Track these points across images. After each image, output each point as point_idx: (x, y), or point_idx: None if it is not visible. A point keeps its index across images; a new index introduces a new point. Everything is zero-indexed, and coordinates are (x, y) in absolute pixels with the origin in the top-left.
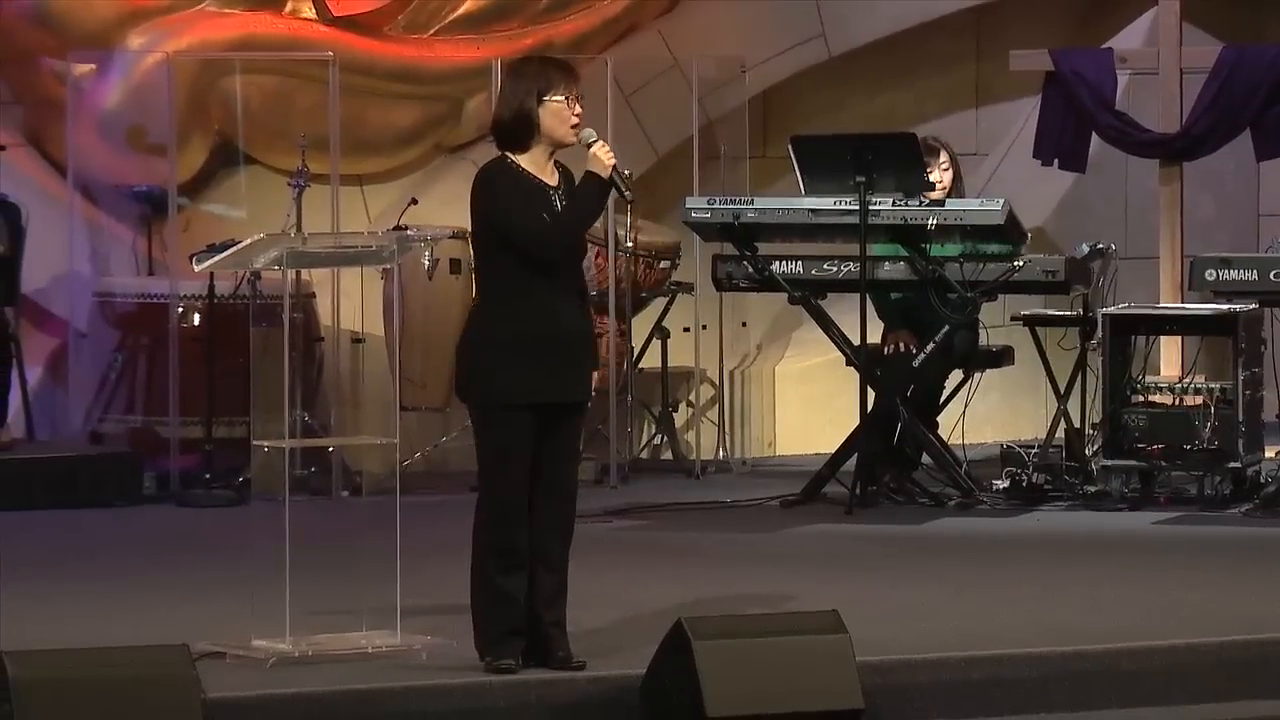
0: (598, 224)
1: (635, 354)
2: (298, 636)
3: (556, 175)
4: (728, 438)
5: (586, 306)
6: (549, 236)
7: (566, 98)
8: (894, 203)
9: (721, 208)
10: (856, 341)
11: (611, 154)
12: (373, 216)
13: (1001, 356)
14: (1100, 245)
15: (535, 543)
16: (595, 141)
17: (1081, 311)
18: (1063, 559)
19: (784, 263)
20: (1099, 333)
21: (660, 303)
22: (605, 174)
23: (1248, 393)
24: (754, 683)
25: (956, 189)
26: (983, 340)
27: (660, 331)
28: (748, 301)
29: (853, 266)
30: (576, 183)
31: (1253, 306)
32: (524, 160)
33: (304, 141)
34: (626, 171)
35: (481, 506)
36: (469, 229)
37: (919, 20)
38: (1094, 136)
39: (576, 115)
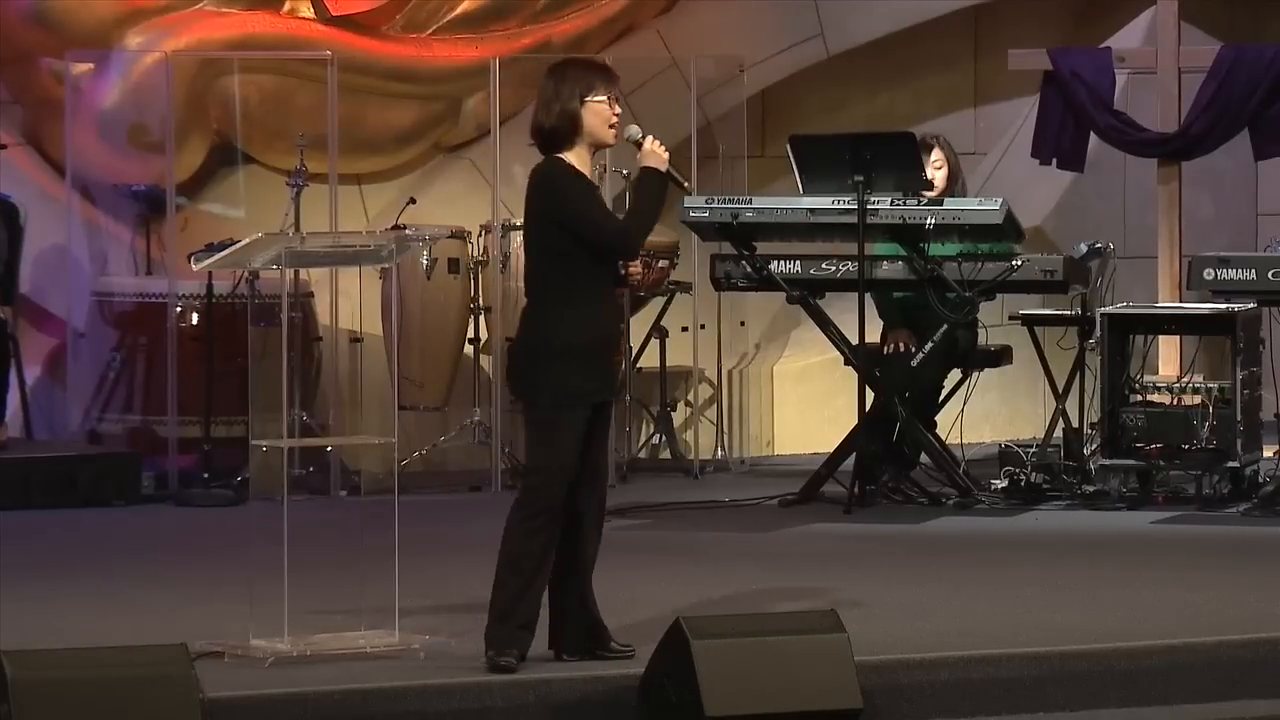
0: None
1: (634, 353)
2: (296, 636)
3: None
4: (726, 437)
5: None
6: (632, 233)
7: (607, 99)
8: (892, 202)
9: (720, 207)
10: (855, 341)
11: (664, 147)
12: (371, 216)
13: (1000, 356)
14: (1098, 245)
15: (579, 533)
16: (645, 137)
17: (1080, 311)
18: (1061, 558)
19: (782, 262)
20: (1097, 332)
21: (658, 302)
22: (663, 167)
23: (1246, 392)
24: (752, 682)
25: (954, 188)
26: (981, 339)
27: (658, 331)
28: (746, 301)
29: (851, 266)
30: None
31: (1251, 306)
32: (572, 159)
33: (302, 141)
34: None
35: (527, 505)
36: (524, 228)
37: (917, 20)
38: (1092, 136)
39: (616, 115)
